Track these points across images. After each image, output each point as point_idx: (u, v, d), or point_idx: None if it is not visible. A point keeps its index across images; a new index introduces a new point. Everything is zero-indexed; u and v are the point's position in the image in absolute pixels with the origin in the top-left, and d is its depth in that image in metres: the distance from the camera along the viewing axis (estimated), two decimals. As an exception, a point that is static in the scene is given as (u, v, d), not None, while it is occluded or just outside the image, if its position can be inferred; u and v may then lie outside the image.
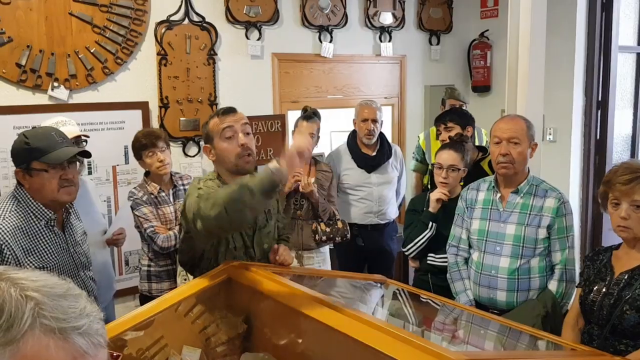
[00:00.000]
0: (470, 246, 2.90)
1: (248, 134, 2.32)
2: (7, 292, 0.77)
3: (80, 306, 0.81)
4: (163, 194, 3.36)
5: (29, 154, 2.19)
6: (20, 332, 0.74)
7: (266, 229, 2.41)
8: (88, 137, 3.10)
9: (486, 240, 2.78)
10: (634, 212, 2.19)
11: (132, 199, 3.29)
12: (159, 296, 3.09)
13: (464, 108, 4.26)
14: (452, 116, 3.65)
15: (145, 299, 3.37)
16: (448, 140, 3.49)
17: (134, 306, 3.61)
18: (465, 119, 3.61)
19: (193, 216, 2.06)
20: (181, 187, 3.45)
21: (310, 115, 3.86)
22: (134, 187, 3.40)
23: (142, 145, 3.29)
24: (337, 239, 3.77)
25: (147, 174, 3.40)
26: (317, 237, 3.69)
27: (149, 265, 3.40)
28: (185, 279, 3.27)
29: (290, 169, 1.88)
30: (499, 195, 2.79)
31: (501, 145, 2.69)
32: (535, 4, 3.16)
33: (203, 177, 2.40)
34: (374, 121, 4.01)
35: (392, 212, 4.23)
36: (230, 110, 2.35)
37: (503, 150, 2.68)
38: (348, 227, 3.86)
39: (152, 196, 3.33)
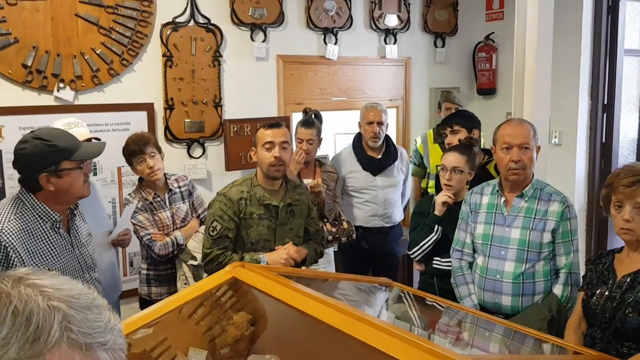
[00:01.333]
0: (474, 250, 2.89)
1: (285, 148, 2.82)
2: (35, 302, 0.73)
3: (105, 319, 0.78)
4: (158, 199, 3.33)
5: (59, 154, 2.19)
6: (48, 346, 0.71)
7: (288, 226, 2.88)
8: (99, 139, 3.07)
9: (491, 245, 2.77)
10: (637, 214, 2.20)
11: (127, 205, 3.27)
12: (158, 300, 3.10)
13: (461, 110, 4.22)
14: (458, 119, 3.62)
15: (145, 302, 3.36)
16: (455, 144, 3.47)
17: (138, 307, 3.60)
18: (471, 122, 3.60)
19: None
20: (177, 190, 3.40)
21: (308, 120, 3.85)
22: (129, 194, 3.38)
23: (131, 152, 3.25)
24: (342, 239, 3.76)
25: (141, 179, 3.37)
26: None
27: (148, 269, 3.39)
28: (185, 283, 3.26)
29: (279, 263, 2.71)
30: (503, 199, 2.78)
31: (512, 151, 2.68)
32: (542, 7, 3.15)
33: (239, 179, 2.95)
34: (380, 124, 4.00)
35: (398, 215, 4.22)
36: (275, 126, 2.86)
37: (515, 156, 2.67)
38: (353, 228, 3.86)
39: (147, 202, 3.30)
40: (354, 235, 3.84)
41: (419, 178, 4.42)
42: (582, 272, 2.73)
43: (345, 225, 3.78)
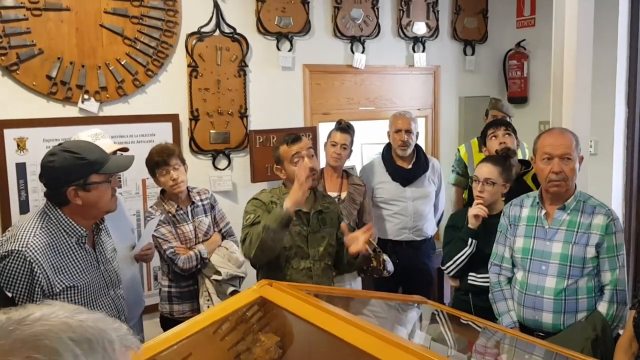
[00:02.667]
0: (513, 265, 2.76)
1: (312, 156, 2.81)
2: (86, 325, 0.78)
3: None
4: (181, 211, 3.24)
5: (88, 167, 2.13)
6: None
7: (320, 233, 2.84)
8: (127, 150, 2.99)
9: (531, 259, 2.64)
10: None
11: (150, 218, 3.20)
12: (180, 318, 3.01)
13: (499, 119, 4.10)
14: (510, 123, 3.61)
15: (166, 321, 3.26)
16: (499, 147, 3.39)
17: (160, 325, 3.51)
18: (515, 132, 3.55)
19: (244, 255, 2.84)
20: (199, 203, 3.32)
21: (344, 127, 3.79)
22: (151, 207, 3.31)
23: (155, 163, 3.18)
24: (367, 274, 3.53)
25: (163, 192, 3.29)
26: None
27: (169, 286, 3.27)
28: (208, 300, 3.16)
29: (297, 196, 2.58)
30: (544, 211, 2.66)
31: (553, 162, 2.55)
32: (582, 12, 3.02)
33: (267, 189, 2.96)
34: (408, 132, 3.89)
35: (429, 229, 4.08)
36: (297, 139, 2.83)
37: (556, 167, 2.54)
38: (384, 262, 3.61)
39: (170, 215, 3.22)
40: (382, 273, 3.59)
41: (461, 189, 4.25)
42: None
43: (374, 262, 3.50)
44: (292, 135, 2.90)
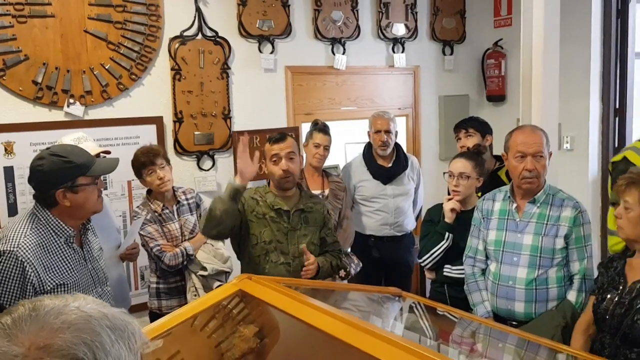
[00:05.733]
0: (487, 257, 2.87)
1: (292, 159, 2.90)
2: (117, 316, 0.92)
3: None
4: (167, 210, 3.35)
5: (76, 170, 2.22)
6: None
7: (301, 231, 2.92)
8: (109, 152, 3.09)
9: (503, 251, 2.75)
10: (624, 212, 2.25)
11: (136, 217, 3.29)
12: (168, 313, 3.09)
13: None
14: (473, 123, 3.65)
15: (155, 316, 3.33)
16: (467, 147, 3.48)
17: (149, 322, 3.60)
18: (485, 128, 3.63)
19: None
20: (185, 203, 3.43)
21: (323, 128, 3.87)
22: (137, 207, 3.40)
23: (141, 163, 3.28)
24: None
25: (149, 192, 3.40)
26: None
27: (157, 283, 3.38)
28: (195, 295, 3.26)
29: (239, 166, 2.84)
30: (515, 205, 2.77)
31: (526, 160, 2.66)
32: (548, 12, 3.12)
33: (260, 186, 3.06)
34: (387, 132, 4.00)
35: (409, 224, 4.20)
36: (280, 139, 2.93)
37: (529, 165, 2.65)
38: (346, 262, 3.56)
39: (156, 214, 3.31)
40: (347, 271, 3.64)
41: None
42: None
43: (341, 274, 3.50)
44: (277, 135, 3.01)
